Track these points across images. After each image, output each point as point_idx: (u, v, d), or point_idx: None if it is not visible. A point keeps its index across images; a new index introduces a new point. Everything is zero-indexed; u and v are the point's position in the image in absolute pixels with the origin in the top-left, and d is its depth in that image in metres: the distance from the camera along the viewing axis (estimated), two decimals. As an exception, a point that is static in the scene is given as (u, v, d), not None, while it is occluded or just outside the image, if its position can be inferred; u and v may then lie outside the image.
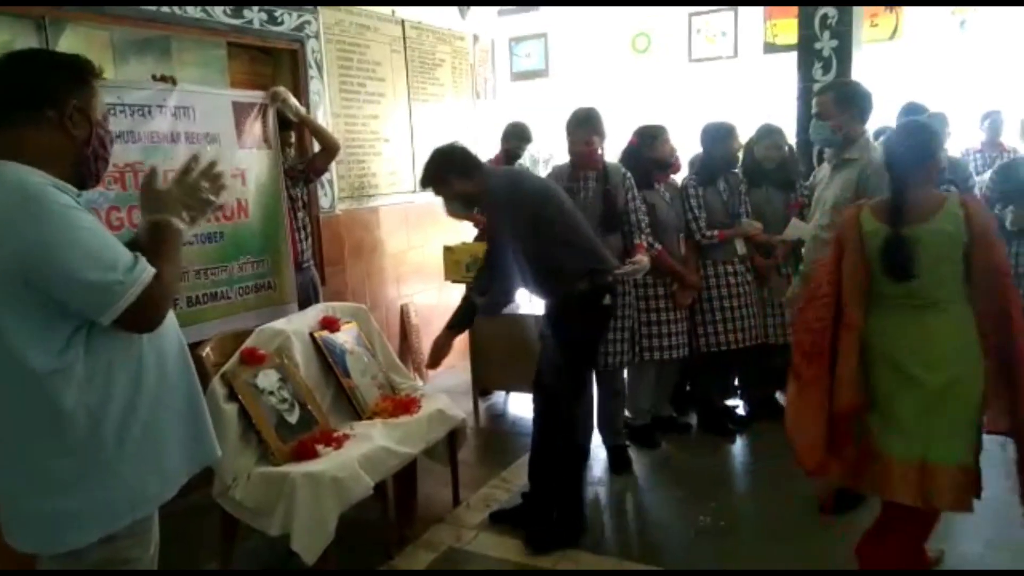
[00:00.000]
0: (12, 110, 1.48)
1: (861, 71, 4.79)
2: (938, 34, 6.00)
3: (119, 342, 1.49)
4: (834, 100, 2.94)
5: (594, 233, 3.06)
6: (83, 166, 1.53)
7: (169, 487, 1.62)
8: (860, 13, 4.82)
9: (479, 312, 2.98)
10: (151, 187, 1.58)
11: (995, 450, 3.71)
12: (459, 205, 2.95)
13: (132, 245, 1.52)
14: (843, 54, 4.61)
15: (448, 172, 2.86)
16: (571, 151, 3.43)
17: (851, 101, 2.92)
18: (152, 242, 1.53)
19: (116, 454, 1.50)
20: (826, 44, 4.64)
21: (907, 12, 6.01)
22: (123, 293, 1.41)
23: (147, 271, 1.45)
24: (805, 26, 4.70)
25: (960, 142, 5.54)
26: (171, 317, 1.62)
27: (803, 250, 3.29)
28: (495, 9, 6.37)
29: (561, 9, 6.81)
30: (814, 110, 3.07)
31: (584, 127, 3.37)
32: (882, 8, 5.97)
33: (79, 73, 1.54)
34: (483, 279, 3.03)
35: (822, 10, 4.62)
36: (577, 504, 3.04)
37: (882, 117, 5.66)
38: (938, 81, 6.31)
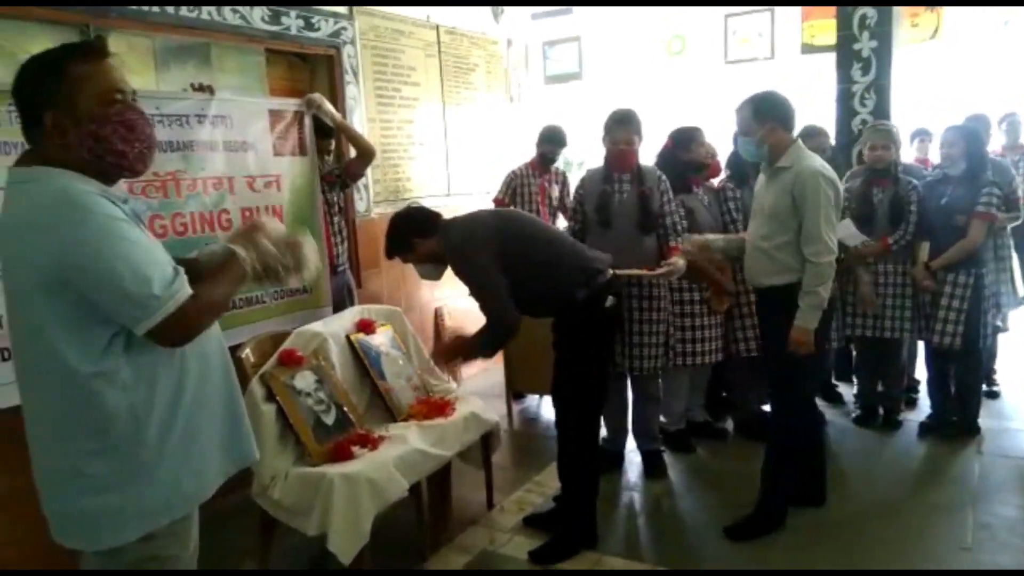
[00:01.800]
0: (26, 117, 1.50)
1: (901, 72, 4.71)
2: (980, 34, 5.88)
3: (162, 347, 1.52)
4: (752, 115, 2.85)
5: (629, 234, 2.99)
6: (99, 165, 1.50)
7: (208, 487, 1.65)
8: (899, 13, 4.75)
9: (481, 354, 2.93)
10: (250, 235, 1.64)
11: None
12: (430, 267, 2.89)
13: (194, 260, 1.56)
14: (883, 54, 4.55)
15: (410, 236, 2.82)
16: (609, 150, 3.41)
17: (768, 113, 2.82)
18: (217, 265, 1.59)
19: (157, 454, 1.52)
20: (865, 45, 4.57)
21: (948, 12, 5.89)
22: (157, 309, 1.43)
23: (183, 291, 1.46)
24: (844, 27, 4.64)
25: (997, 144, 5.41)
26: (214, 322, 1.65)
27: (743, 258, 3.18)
28: (528, 13, 6.39)
29: (594, 12, 6.81)
30: (736, 128, 2.99)
31: (624, 126, 3.35)
32: (923, 8, 5.86)
33: (51, 74, 1.46)
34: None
35: (861, 11, 4.56)
36: (587, 513, 2.97)
37: (922, 118, 5.58)
38: (979, 81, 6.18)
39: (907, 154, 5.12)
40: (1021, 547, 2.84)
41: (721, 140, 3.91)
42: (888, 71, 4.55)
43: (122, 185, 1.66)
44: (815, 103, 5.55)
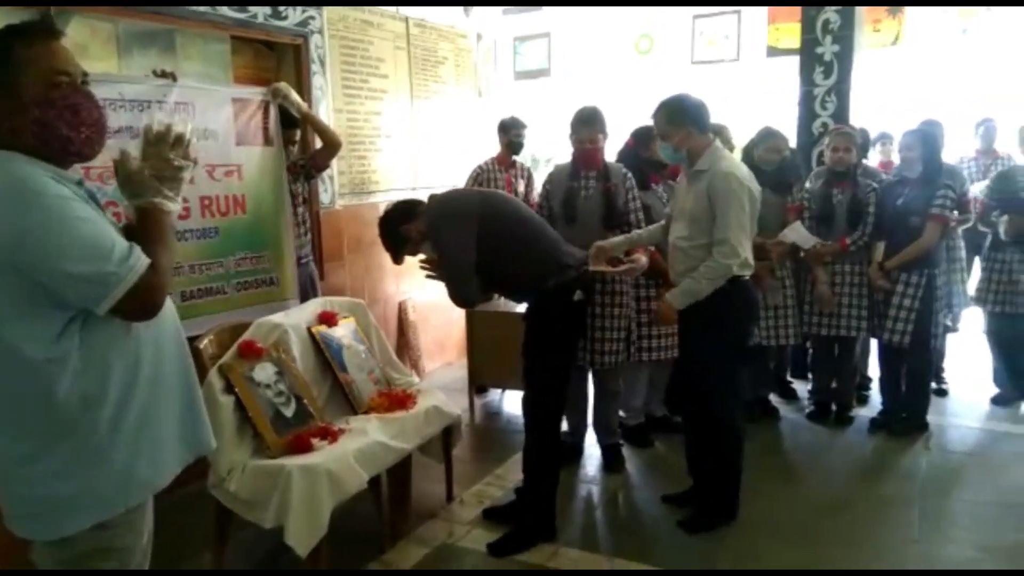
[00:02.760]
0: None
1: (862, 76, 4.82)
2: (940, 40, 6.03)
3: (116, 331, 1.50)
4: (666, 120, 2.89)
5: (593, 229, 3.03)
6: (46, 150, 1.46)
7: (163, 476, 1.63)
8: (861, 19, 4.85)
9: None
10: (125, 170, 1.55)
11: (990, 449, 3.78)
12: (428, 245, 2.91)
13: (128, 233, 1.53)
14: (844, 58, 4.65)
15: (397, 225, 2.89)
16: (576, 149, 3.44)
17: (682, 117, 2.86)
18: (143, 228, 1.53)
19: (110, 442, 1.51)
20: (828, 48, 4.66)
21: (910, 18, 6.03)
22: (117, 283, 1.41)
23: (141, 260, 1.45)
24: (807, 30, 4.73)
25: (958, 149, 5.56)
26: (170, 308, 1.63)
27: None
28: (499, 8, 6.39)
29: (564, 9, 6.84)
30: (655, 131, 3.03)
31: (589, 126, 3.38)
32: (885, 13, 5.99)
33: None
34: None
35: (824, 15, 4.65)
36: (547, 505, 3.00)
37: (882, 122, 5.71)
38: (939, 87, 6.34)
39: (872, 158, 5.24)
40: (967, 539, 2.93)
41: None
42: (849, 75, 4.65)
43: (78, 169, 1.62)
44: (777, 105, 5.66)
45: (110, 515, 1.54)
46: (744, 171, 2.90)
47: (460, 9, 5.68)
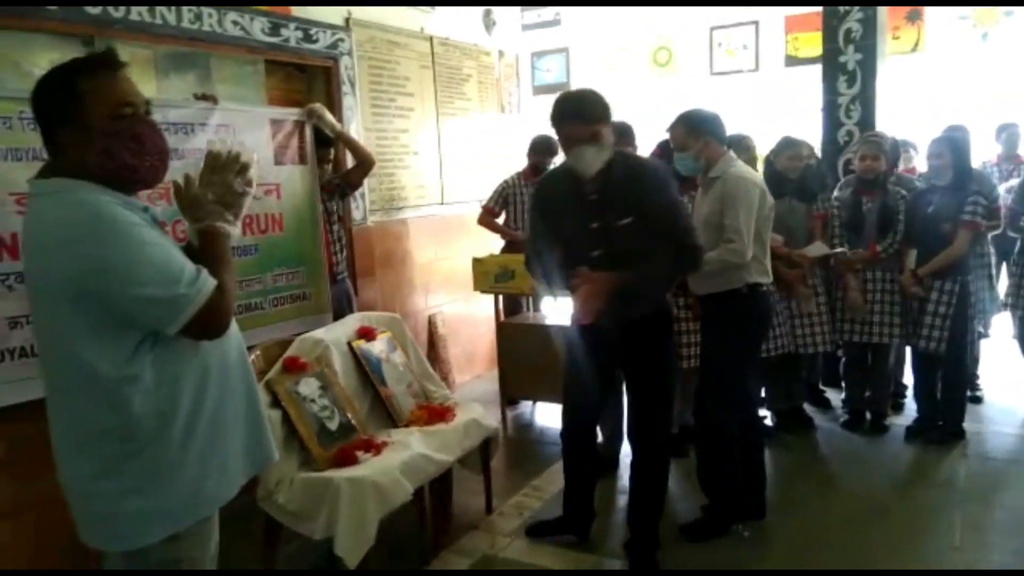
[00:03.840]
0: (44, 133, 1.53)
1: (883, 83, 4.83)
2: (959, 47, 6.03)
3: (186, 350, 1.55)
4: (686, 132, 2.98)
5: None
6: (113, 179, 1.51)
7: (231, 488, 1.68)
8: (884, 26, 4.87)
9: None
10: (187, 194, 1.62)
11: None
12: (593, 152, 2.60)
13: (187, 252, 1.59)
14: (867, 67, 4.67)
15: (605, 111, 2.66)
16: None
17: (701, 128, 2.95)
18: (206, 251, 1.59)
19: (181, 456, 1.55)
20: (851, 57, 4.69)
21: (929, 25, 6.04)
22: (187, 305, 1.47)
23: (209, 283, 1.51)
24: (829, 40, 4.76)
25: (979, 155, 5.55)
26: (233, 325, 1.68)
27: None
28: (519, 24, 6.46)
29: (582, 23, 6.89)
30: (672, 145, 3.11)
31: (619, 139, 3.43)
32: (904, 20, 6.00)
33: (61, 90, 1.49)
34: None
35: (847, 24, 4.67)
36: (579, 501, 3.07)
37: (904, 129, 5.71)
38: (960, 93, 6.33)
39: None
40: (1009, 547, 2.92)
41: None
42: (873, 83, 4.67)
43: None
44: (797, 114, 5.68)
45: (181, 528, 1.58)
46: (757, 177, 2.98)
47: (482, 27, 5.77)
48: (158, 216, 1.69)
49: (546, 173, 3.16)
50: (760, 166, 4.13)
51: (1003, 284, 4.67)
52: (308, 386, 2.81)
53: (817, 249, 3.92)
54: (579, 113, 2.58)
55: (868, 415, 4.22)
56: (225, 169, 1.62)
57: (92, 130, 1.48)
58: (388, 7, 4.72)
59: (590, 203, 2.64)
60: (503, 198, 4.93)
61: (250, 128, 3.39)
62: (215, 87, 3.69)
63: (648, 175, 2.65)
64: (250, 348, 2.81)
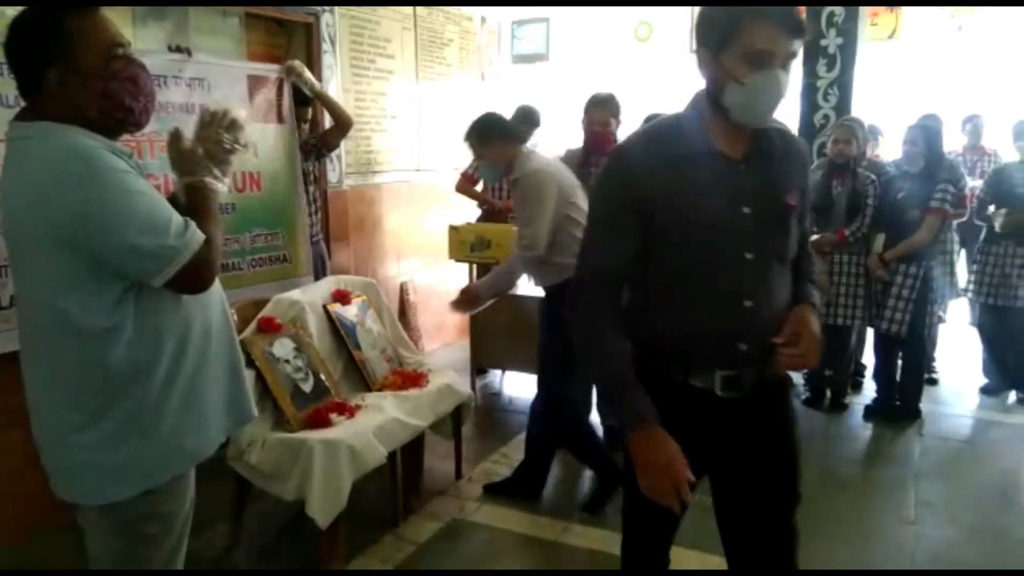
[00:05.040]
0: (25, 75, 1.47)
1: (861, 69, 4.88)
2: (936, 36, 6.11)
3: (168, 303, 1.53)
4: (477, 142, 3.04)
5: None
6: (106, 121, 1.48)
7: (209, 444, 1.67)
8: (864, 11, 4.91)
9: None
10: (178, 148, 1.58)
11: (980, 436, 3.89)
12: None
13: (172, 204, 1.55)
14: (848, 52, 4.70)
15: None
16: (586, 132, 3.49)
17: (489, 135, 3.00)
18: (194, 205, 1.57)
19: (159, 412, 1.54)
20: (832, 42, 4.72)
21: (906, 14, 6.10)
22: (174, 257, 1.45)
23: (197, 236, 1.48)
24: (812, 24, 4.77)
25: (946, 145, 5.65)
26: (216, 282, 1.65)
27: None
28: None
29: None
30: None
31: (603, 108, 3.45)
32: (884, 8, 6.05)
33: (49, 29, 1.43)
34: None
35: (828, 8, 4.69)
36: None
37: (876, 115, 5.79)
38: (933, 82, 6.43)
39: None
40: (960, 521, 3.04)
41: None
42: (852, 68, 4.71)
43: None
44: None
45: (157, 483, 1.57)
46: (555, 166, 2.99)
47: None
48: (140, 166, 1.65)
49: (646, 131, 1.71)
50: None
51: (961, 270, 4.80)
52: (283, 347, 2.79)
53: None
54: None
55: (828, 393, 4.33)
56: (217, 123, 1.60)
57: (87, 71, 1.44)
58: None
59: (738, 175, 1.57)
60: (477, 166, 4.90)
61: (226, 83, 3.32)
62: (192, 38, 3.59)
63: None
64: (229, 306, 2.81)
